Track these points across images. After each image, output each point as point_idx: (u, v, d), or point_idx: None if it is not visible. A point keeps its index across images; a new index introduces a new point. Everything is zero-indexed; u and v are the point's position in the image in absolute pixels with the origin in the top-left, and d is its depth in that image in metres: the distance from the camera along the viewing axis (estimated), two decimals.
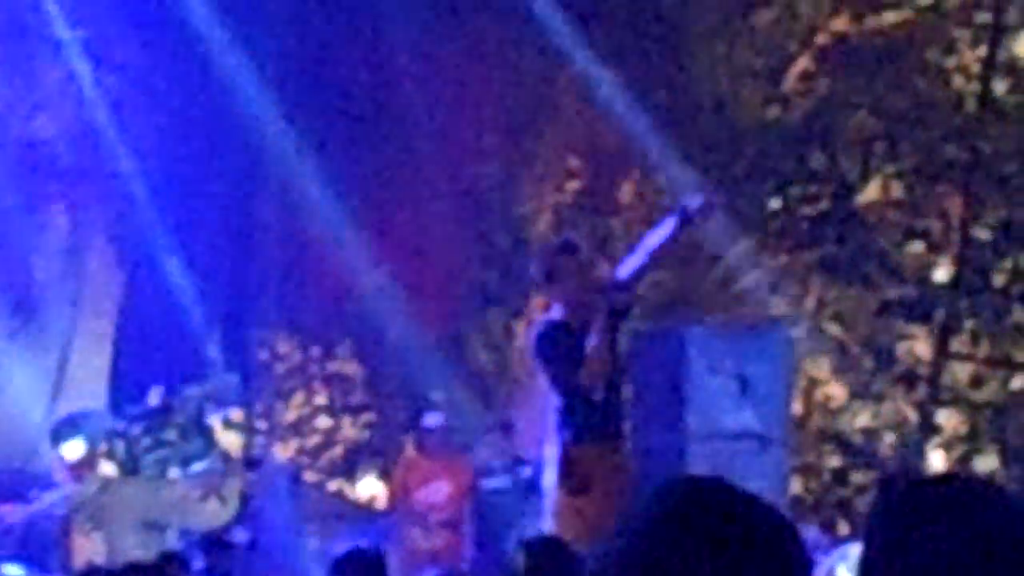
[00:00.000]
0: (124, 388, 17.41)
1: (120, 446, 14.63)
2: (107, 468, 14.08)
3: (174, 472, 14.95)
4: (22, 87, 19.73)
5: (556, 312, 11.55)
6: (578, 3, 18.12)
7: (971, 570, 3.05)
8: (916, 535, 3.09)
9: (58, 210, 19.85)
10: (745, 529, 2.75)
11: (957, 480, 3.92)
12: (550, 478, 11.68)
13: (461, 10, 18.36)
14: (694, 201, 11.70)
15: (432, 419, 16.30)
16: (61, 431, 14.35)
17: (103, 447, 14.26)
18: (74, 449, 14.20)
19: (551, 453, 11.70)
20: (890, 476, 13.36)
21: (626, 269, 11.65)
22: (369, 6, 18.70)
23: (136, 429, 15.97)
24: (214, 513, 14.70)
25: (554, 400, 11.64)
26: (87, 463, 14.09)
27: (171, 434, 15.79)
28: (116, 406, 16.86)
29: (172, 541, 13.91)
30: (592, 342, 11.12)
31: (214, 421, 15.61)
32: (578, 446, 11.41)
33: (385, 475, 18.38)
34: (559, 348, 11.39)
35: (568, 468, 11.36)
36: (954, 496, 3.25)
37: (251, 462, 15.19)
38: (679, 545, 2.74)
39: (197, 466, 14.96)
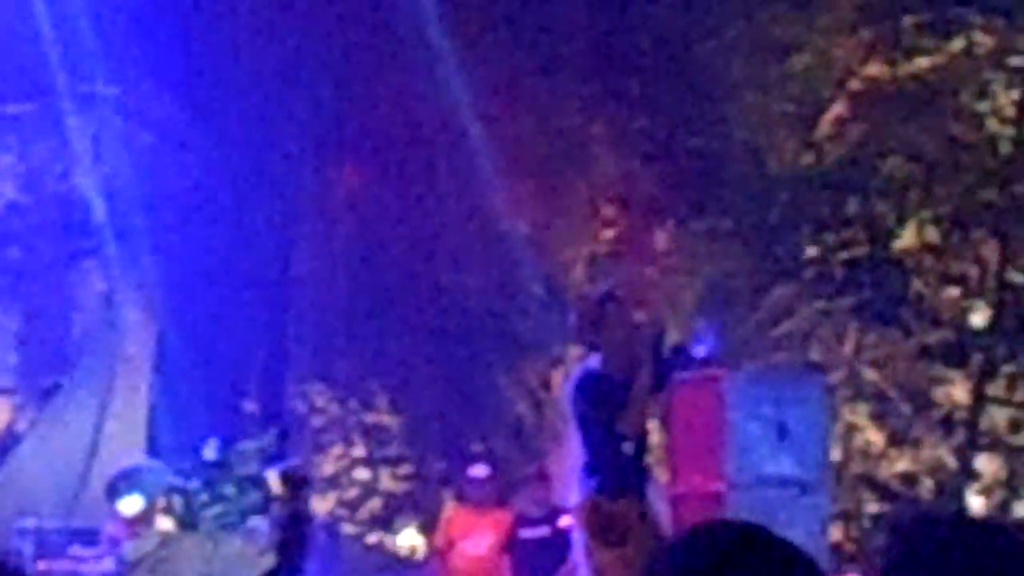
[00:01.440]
0: (161, 442, 17.52)
1: (178, 501, 14.56)
2: (165, 523, 14.01)
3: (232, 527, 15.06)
4: (56, 145, 19.73)
5: (594, 361, 11.58)
6: (611, 53, 18.12)
7: None
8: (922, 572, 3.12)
9: (93, 266, 19.82)
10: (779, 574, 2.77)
11: (963, 521, 3.95)
12: (578, 529, 11.69)
13: (495, 62, 18.23)
14: (699, 352, 12.16)
15: (477, 470, 16.14)
16: (118, 486, 14.24)
17: (161, 502, 14.23)
18: (132, 504, 14.09)
19: (576, 502, 11.80)
20: (901, 516, 13.38)
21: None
22: (404, 60, 18.61)
23: (195, 483, 15.99)
24: (284, 554, 14.82)
25: (584, 449, 11.84)
26: (145, 518, 14.04)
27: (229, 489, 15.73)
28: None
29: None
30: (636, 393, 11.16)
31: (270, 476, 15.69)
32: (605, 497, 11.53)
33: (424, 527, 18.26)
34: (598, 397, 11.41)
35: (603, 520, 11.47)
36: (959, 537, 3.26)
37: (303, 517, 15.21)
38: None
39: (254, 520, 14.98)
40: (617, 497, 11.53)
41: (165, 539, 13.75)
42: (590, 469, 11.72)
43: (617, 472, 11.45)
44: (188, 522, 14.02)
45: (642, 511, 11.70)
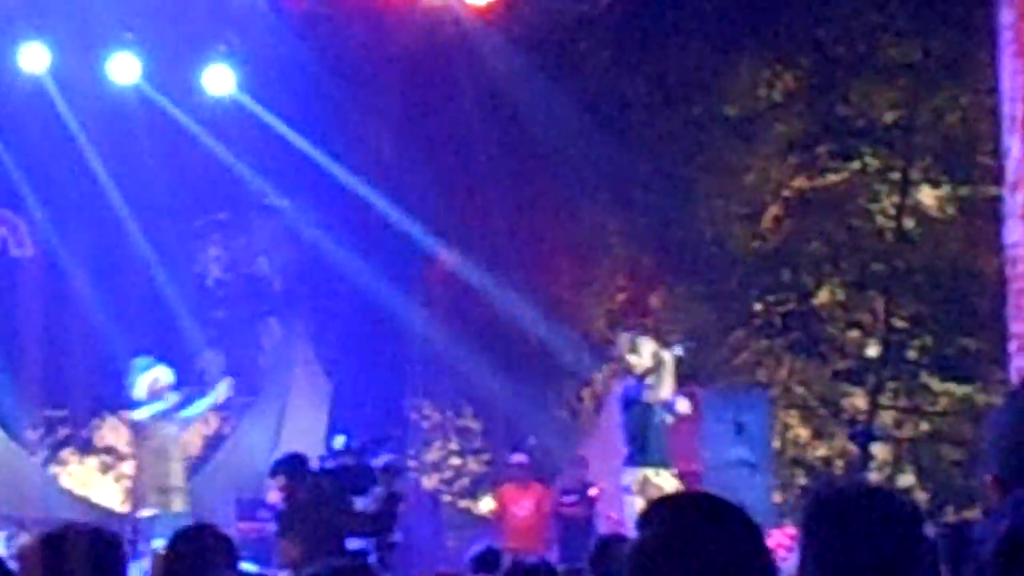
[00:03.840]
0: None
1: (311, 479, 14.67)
2: (304, 494, 14.10)
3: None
4: (246, 240, 19.72)
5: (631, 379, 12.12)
6: (622, 176, 18.09)
7: (872, 544, 2.99)
8: (830, 528, 3.07)
9: (273, 322, 19.79)
10: (725, 521, 2.72)
11: (863, 488, 4.25)
12: (628, 497, 12.14)
13: (545, 186, 18.26)
14: (681, 407, 12.27)
15: (518, 458, 16.22)
16: (276, 469, 14.46)
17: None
18: (280, 481, 14.33)
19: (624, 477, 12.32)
20: (821, 486, 13.31)
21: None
22: (486, 180, 18.33)
23: (328, 464, 16.21)
24: (379, 523, 14.81)
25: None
26: (292, 491, 14.14)
27: (351, 469, 15.89)
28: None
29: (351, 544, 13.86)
30: None
31: (376, 462, 15.76)
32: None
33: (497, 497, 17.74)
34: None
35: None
36: (860, 499, 3.20)
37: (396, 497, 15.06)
38: (680, 534, 2.69)
39: (367, 494, 15.04)
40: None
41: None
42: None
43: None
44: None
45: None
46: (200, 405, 14.96)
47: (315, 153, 18.39)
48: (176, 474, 14.28)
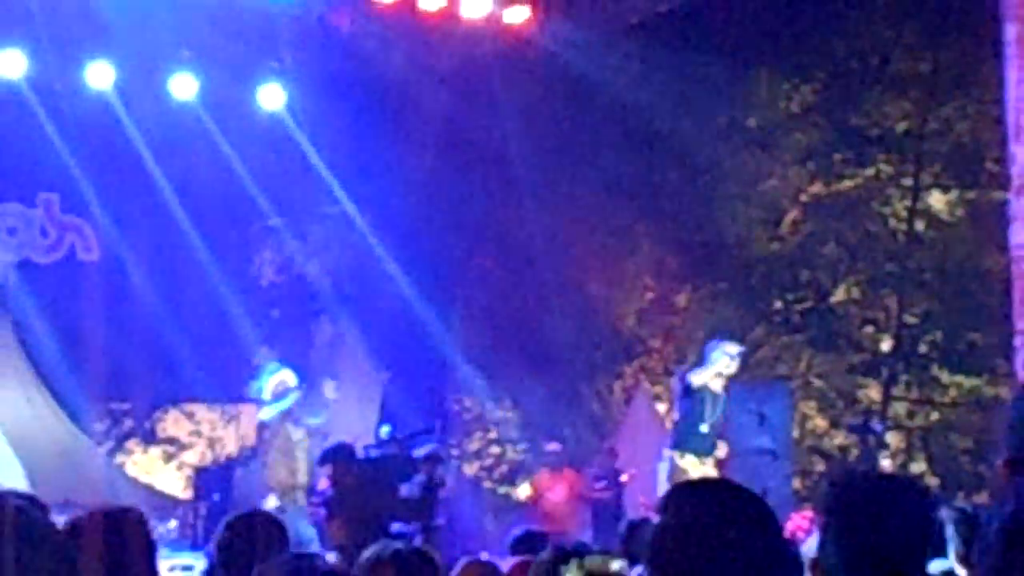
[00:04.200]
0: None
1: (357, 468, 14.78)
2: (351, 480, 14.26)
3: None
4: (299, 244, 19.83)
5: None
6: (651, 184, 18.07)
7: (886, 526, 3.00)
8: (851, 511, 3.06)
9: (324, 320, 19.83)
10: (740, 505, 2.73)
11: (877, 475, 4.22)
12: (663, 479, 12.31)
13: (579, 193, 18.30)
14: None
15: (552, 446, 16.38)
16: (325, 458, 14.58)
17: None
18: (327, 470, 14.49)
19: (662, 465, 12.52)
20: (838, 472, 13.18)
21: None
22: (518, 207, 18.52)
23: (374, 453, 16.33)
24: (422, 508, 14.90)
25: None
26: (340, 478, 14.27)
27: (395, 457, 15.97)
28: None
29: (395, 527, 13.98)
30: None
31: (418, 452, 15.83)
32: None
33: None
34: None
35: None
36: (874, 484, 3.27)
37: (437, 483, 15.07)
38: (703, 520, 2.69)
39: (411, 480, 15.11)
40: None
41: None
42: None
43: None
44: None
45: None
46: (322, 416, 15.37)
47: (362, 164, 18.59)
48: (301, 472, 14.66)
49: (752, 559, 2.62)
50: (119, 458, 18.70)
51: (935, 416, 15.88)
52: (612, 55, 18.01)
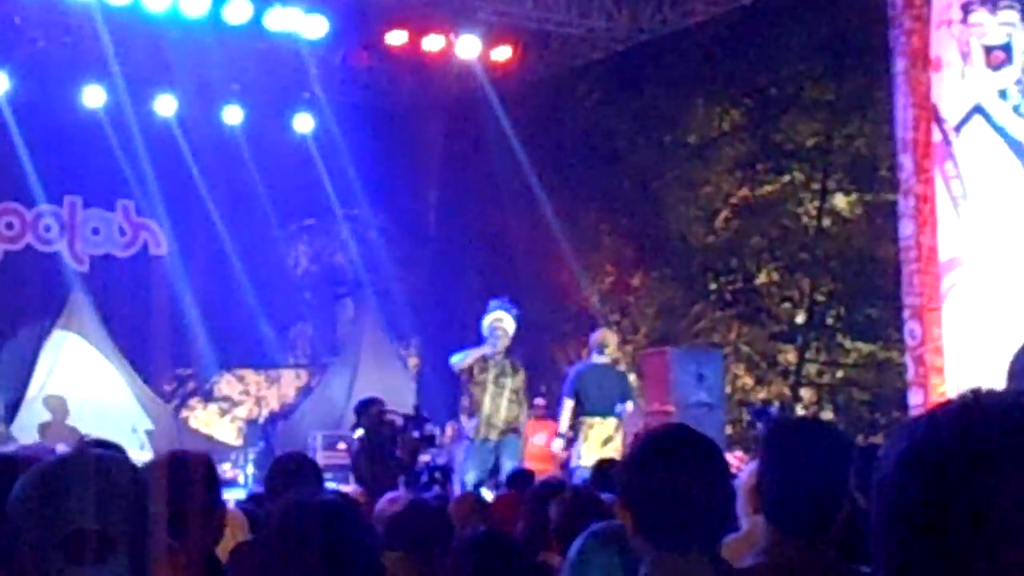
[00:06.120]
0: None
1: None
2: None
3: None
4: (329, 239, 19.73)
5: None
6: (608, 190, 17.89)
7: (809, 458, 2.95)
8: (785, 447, 3.02)
9: (348, 301, 19.69)
10: (696, 445, 2.73)
11: (808, 420, 4.12)
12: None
13: (555, 197, 17.82)
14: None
15: (537, 401, 15.96)
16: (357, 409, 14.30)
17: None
18: (359, 432, 14.26)
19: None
20: (769, 419, 13.15)
21: None
22: (502, 203, 18.19)
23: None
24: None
25: None
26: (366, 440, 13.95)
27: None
28: None
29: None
30: None
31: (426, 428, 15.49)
32: None
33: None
34: None
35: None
36: (807, 426, 3.30)
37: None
38: (667, 451, 2.69)
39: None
40: None
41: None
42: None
43: None
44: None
45: None
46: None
47: (376, 176, 18.61)
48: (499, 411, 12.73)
49: (710, 485, 2.67)
50: (184, 413, 18.78)
51: (840, 375, 15.77)
52: (579, 87, 18.20)
